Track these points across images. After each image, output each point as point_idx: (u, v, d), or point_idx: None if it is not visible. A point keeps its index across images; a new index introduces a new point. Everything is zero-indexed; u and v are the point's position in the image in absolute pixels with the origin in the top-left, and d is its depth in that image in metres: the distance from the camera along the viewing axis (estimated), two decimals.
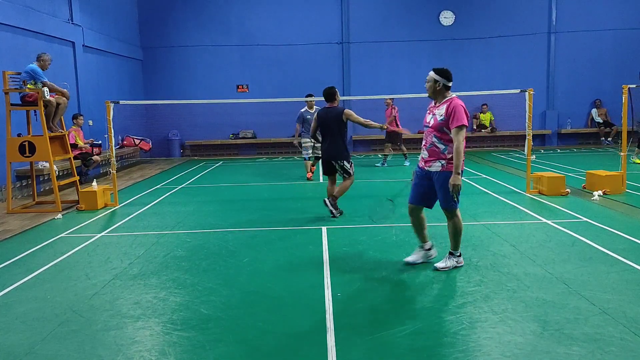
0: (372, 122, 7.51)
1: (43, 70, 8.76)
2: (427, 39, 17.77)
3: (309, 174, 11.56)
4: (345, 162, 7.37)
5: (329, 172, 7.58)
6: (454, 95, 4.94)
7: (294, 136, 17.28)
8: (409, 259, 5.22)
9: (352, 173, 7.48)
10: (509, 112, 17.27)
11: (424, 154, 5.00)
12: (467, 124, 4.80)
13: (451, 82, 4.91)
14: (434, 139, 4.89)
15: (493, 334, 3.62)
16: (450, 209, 4.98)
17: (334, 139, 7.31)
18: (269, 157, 17.29)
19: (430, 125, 4.93)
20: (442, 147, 4.86)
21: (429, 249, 5.26)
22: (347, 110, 7.29)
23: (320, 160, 11.18)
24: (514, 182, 10.04)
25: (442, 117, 4.82)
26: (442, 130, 4.83)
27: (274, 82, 17.74)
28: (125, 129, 15.68)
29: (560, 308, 4.02)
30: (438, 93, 4.91)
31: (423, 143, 5.05)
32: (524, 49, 17.72)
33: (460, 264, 5.12)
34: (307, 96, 11.23)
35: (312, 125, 7.65)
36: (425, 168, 4.98)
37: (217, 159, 16.86)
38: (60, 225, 7.55)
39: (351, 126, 17.84)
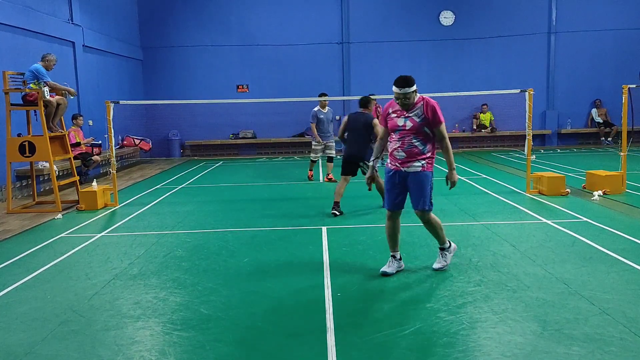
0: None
1: (48, 70, 8.76)
2: (427, 39, 17.77)
3: (310, 173, 11.54)
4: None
5: (349, 172, 7.79)
6: (419, 95, 4.92)
7: (302, 135, 17.32)
8: (387, 269, 4.95)
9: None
10: (509, 112, 17.27)
11: (400, 154, 4.83)
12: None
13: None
14: (414, 140, 4.78)
15: (493, 334, 3.62)
16: (427, 210, 4.90)
17: (363, 142, 7.68)
18: (269, 157, 17.30)
19: (407, 128, 4.79)
20: (422, 147, 4.81)
21: (400, 259, 5.07)
22: (375, 120, 7.62)
23: (325, 160, 11.32)
24: (514, 182, 10.04)
25: (421, 118, 4.76)
26: (422, 130, 4.78)
27: (274, 82, 17.74)
28: (125, 129, 15.68)
29: (560, 308, 4.02)
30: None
31: (397, 145, 4.84)
32: (524, 49, 17.73)
33: (454, 250, 5.20)
34: (320, 95, 11.11)
35: (340, 127, 8.08)
36: (402, 169, 4.85)
37: (217, 159, 16.86)
38: (60, 225, 7.55)
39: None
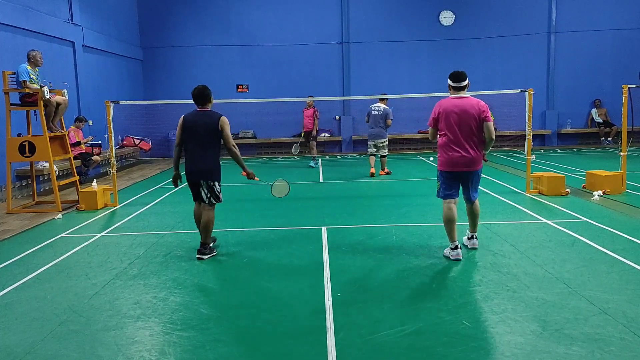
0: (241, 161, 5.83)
1: (38, 66, 8.70)
2: (427, 39, 17.77)
3: (374, 169, 11.59)
4: (217, 184, 5.70)
5: (198, 196, 5.75)
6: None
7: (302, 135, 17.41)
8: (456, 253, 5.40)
9: (221, 199, 5.76)
10: (509, 112, 17.28)
11: None
12: (429, 122, 5.60)
13: (452, 82, 5.44)
14: None
15: (493, 334, 3.62)
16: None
17: (205, 152, 5.62)
18: (268, 157, 17.30)
19: None
20: None
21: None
22: (224, 118, 5.65)
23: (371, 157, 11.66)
24: (514, 182, 10.04)
25: None
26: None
27: (274, 82, 17.74)
28: (125, 129, 15.69)
29: (560, 308, 4.02)
30: None
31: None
32: (524, 49, 17.73)
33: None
34: (382, 94, 11.78)
35: (177, 131, 5.84)
36: None
37: None
38: (60, 225, 7.55)
39: (350, 126, 17.96)
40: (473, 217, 5.62)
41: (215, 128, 5.61)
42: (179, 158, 5.89)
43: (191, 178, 5.71)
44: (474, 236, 5.71)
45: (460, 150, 5.26)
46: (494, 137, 5.41)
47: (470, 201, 5.54)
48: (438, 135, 5.46)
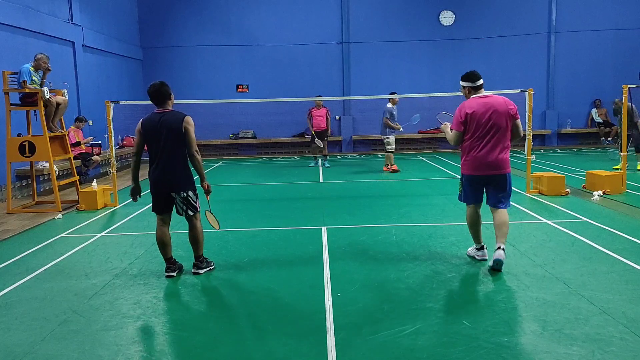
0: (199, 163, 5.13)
1: (40, 69, 8.71)
2: (427, 39, 17.78)
3: (395, 167, 12.32)
4: (191, 193, 5.16)
5: (165, 208, 5.24)
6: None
7: (302, 134, 17.39)
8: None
9: (198, 208, 5.24)
10: None
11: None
12: (454, 127, 5.20)
13: (470, 83, 5.16)
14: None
15: (493, 334, 3.62)
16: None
17: (172, 158, 5.04)
18: (269, 157, 17.30)
19: None
20: None
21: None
22: (188, 118, 5.12)
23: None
24: (514, 182, 9.95)
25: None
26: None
27: (274, 82, 17.75)
28: (125, 129, 15.67)
29: (560, 308, 4.02)
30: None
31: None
32: (524, 49, 17.73)
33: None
34: (391, 93, 12.50)
35: (135, 139, 5.31)
36: None
37: (217, 159, 16.87)
38: (60, 225, 7.55)
39: (350, 125, 17.97)
40: (500, 227, 5.01)
41: (180, 130, 4.98)
42: (138, 169, 5.31)
43: (159, 189, 5.07)
44: (501, 247, 4.97)
45: (488, 152, 4.94)
46: (521, 135, 5.29)
47: (496, 208, 5.07)
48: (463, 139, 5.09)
